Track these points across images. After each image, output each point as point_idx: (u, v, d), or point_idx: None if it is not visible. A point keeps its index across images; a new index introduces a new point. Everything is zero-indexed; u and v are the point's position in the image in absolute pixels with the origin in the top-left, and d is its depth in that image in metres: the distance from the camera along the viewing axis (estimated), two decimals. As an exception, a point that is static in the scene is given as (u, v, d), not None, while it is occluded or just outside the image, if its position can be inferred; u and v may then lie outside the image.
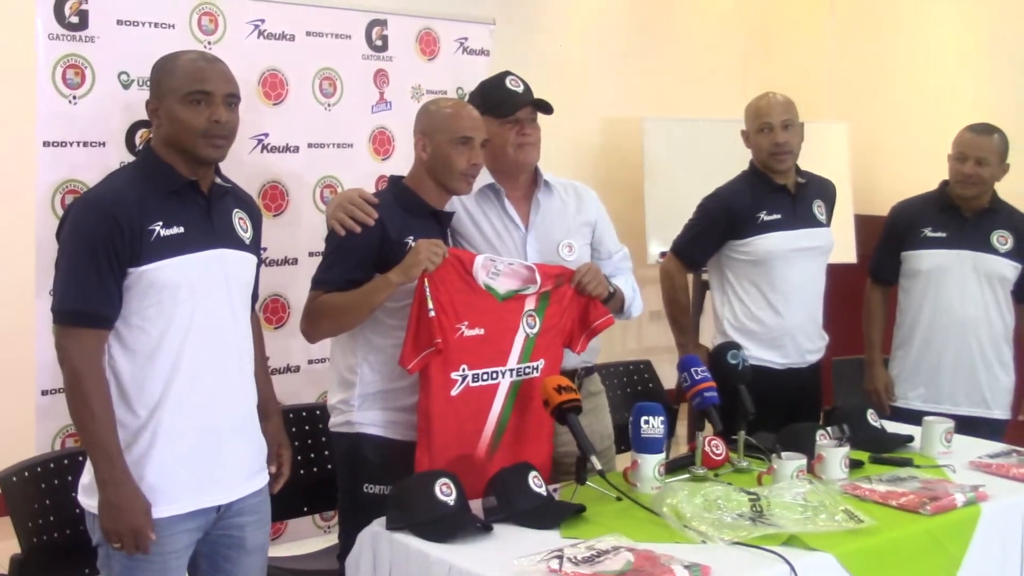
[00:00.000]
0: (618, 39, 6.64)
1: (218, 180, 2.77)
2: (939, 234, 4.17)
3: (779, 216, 4.00)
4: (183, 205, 2.65)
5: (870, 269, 4.41)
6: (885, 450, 3.45)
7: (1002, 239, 4.15)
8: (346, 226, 3.04)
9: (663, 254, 6.00)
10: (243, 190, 2.93)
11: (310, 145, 4.35)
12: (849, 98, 7.25)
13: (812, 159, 6.71)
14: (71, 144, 3.75)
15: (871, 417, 3.60)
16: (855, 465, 3.25)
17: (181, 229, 2.62)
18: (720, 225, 4.04)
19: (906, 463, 3.33)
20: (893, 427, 3.67)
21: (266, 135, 4.22)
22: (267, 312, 4.25)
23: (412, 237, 3.06)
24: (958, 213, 4.18)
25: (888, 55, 7.09)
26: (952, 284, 4.14)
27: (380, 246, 3.05)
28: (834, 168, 6.82)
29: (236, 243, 2.75)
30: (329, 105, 4.39)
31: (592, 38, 6.52)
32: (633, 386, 4.48)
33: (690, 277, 4.36)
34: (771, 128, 3.97)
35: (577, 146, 6.39)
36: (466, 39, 4.78)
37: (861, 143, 6.75)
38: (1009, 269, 4.16)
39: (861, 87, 7.19)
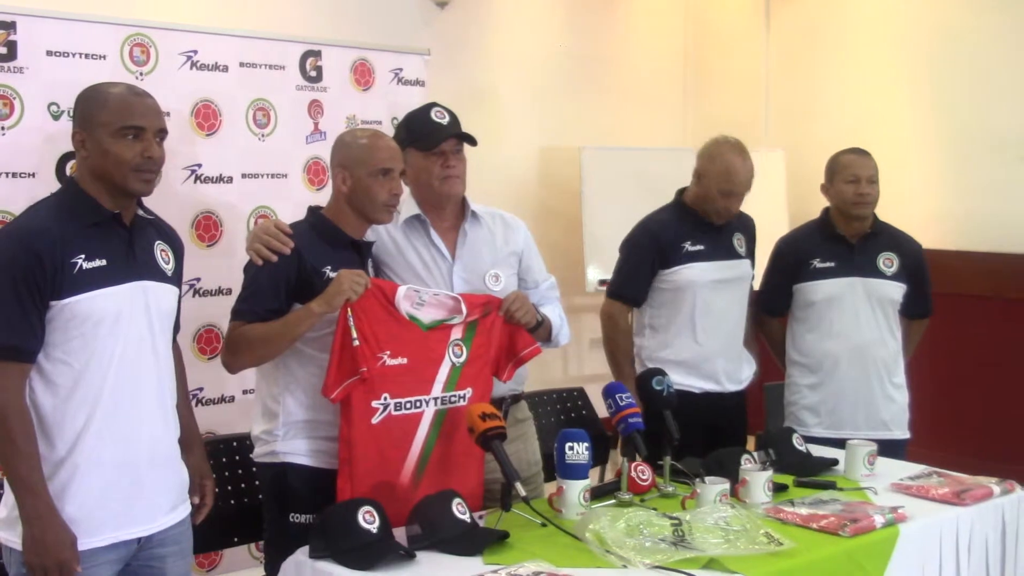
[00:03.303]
0: (555, 69, 6.70)
1: (140, 212, 2.78)
2: (828, 264, 4.23)
3: (702, 247, 4.08)
4: (105, 237, 2.65)
5: (760, 303, 4.44)
6: (810, 474, 3.51)
7: (888, 261, 4.23)
8: (262, 256, 3.06)
9: (602, 282, 6.09)
10: (165, 222, 2.94)
11: (244, 175, 4.37)
12: (785, 126, 7.37)
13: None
14: (1, 175, 3.74)
15: (796, 441, 3.66)
16: (780, 489, 3.31)
17: (103, 262, 2.62)
18: (651, 255, 4.09)
19: (829, 486, 3.39)
20: (819, 451, 3.73)
21: (199, 166, 4.24)
22: (201, 342, 4.26)
23: (330, 267, 3.08)
24: (843, 241, 4.25)
25: (823, 83, 7.21)
26: (846, 311, 4.21)
27: (297, 275, 3.06)
28: (771, 195, 6.97)
29: (158, 275, 2.76)
30: (263, 136, 4.42)
31: (529, 68, 6.58)
32: (567, 413, 4.52)
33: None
34: (735, 195, 4.06)
35: (515, 175, 6.45)
36: (401, 70, 4.83)
37: (797, 170, 6.84)
38: (896, 291, 4.24)
39: (796, 115, 7.31)
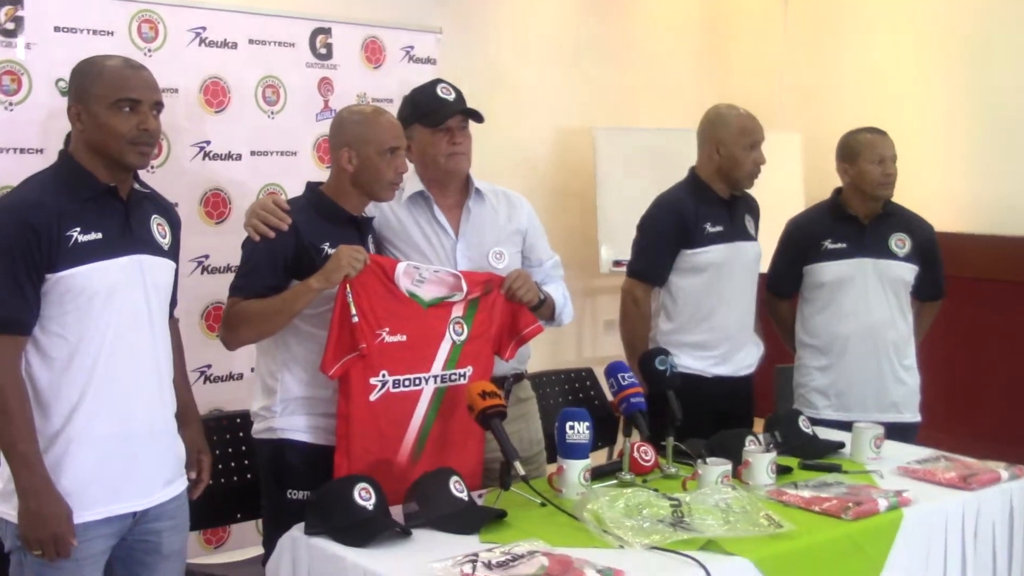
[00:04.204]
0: (570, 48, 6.64)
1: (136, 186, 2.76)
2: (839, 245, 4.18)
3: (721, 228, 4.03)
4: (101, 211, 2.64)
5: (770, 285, 4.40)
6: (816, 456, 3.47)
7: (900, 242, 4.18)
8: (259, 232, 3.05)
9: (616, 263, 6.04)
10: (162, 196, 2.91)
11: (253, 153, 4.36)
12: (801, 109, 7.30)
13: (765, 170, 6.78)
14: (7, 150, 3.75)
15: (803, 424, 3.61)
16: (784, 471, 3.28)
17: (99, 235, 2.61)
18: (673, 233, 4.02)
19: (835, 469, 3.35)
20: (826, 434, 3.68)
21: (208, 143, 4.24)
22: (209, 319, 4.26)
23: (329, 244, 3.06)
24: (855, 221, 4.21)
25: (840, 66, 7.14)
26: (856, 293, 4.16)
27: (294, 252, 3.04)
28: (787, 178, 6.90)
29: (154, 249, 2.74)
30: (272, 113, 4.40)
31: (543, 47, 6.52)
32: (575, 393, 4.50)
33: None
34: (757, 145, 4.02)
35: (529, 156, 6.40)
36: (412, 48, 4.81)
37: (814, 153, 6.77)
38: (908, 272, 4.19)
39: (814, 98, 7.24)
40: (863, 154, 4.15)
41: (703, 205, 4.04)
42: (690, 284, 4.04)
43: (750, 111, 4.09)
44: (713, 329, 4.03)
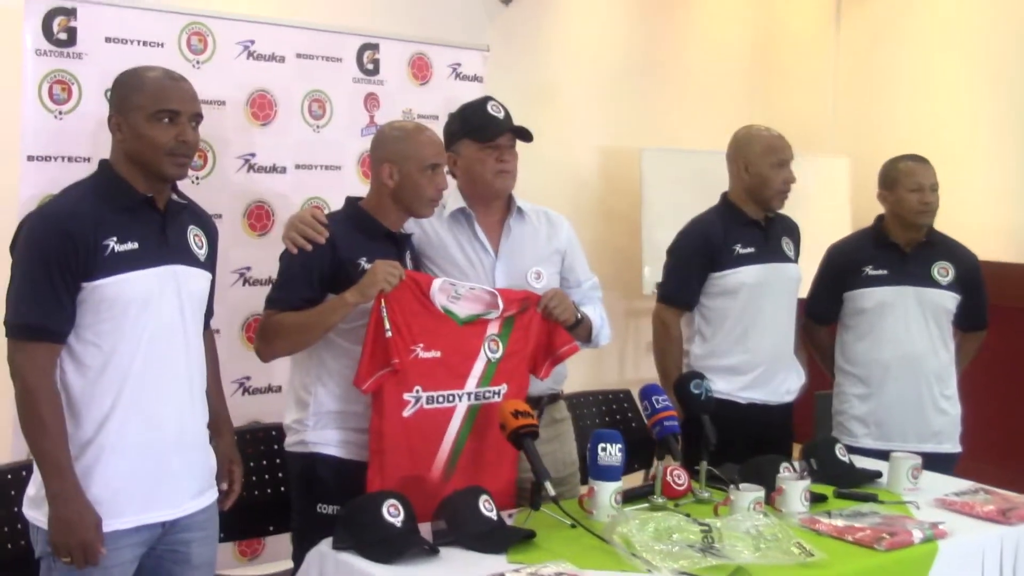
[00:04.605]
0: (616, 67, 6.61)
1: (174, 196, 2.78)
2: (880, 271, 4.13)
3: (753, 249, 3.99)
4: (138, 221, 2.66)
5: (809, 311, 4.36)
6: (852, 485, 3.42)
7: (943, 271, 4.12)
8: (297, 244, 3.06)
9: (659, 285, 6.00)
10: (200, 207, 2.93)
11: (298, 166, 4.36)
12: (851, 132, 7.22)
13: (812, 193, 6.72)
14: (56, 159, 3.77)
15: (839, 452, 3.57)
16: (819, 499, 3.23)
17: (135, 245, 2.63)
18: (700, 257, 4.01)
19: (870, 498, 3.30)
20: (864, 463, 3.63)
21: (253, 155, 4.24)
22: (250, 331, 4.25)
23: (365, 258, 3.06)
24: (897, 249, 4.16)
25: (891, 90, 7.07)
26: (897, 320, 4.10)
27: (331, 265, 3.05)
28: (834, 203, 6.84)
29: (190, 260, 2.76)
30: (318, 127, 4.40)
31: (591, 66, 6.50)
32: (612, 415, 4.47)
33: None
34: (785, 164, 4.01)
35: (574, 175, 6.38)
36: (459, 65, 4.80)
37: (862, 178, 6.70)
38: (951, 301, 4.14)
39: (864, 121, 7.16)
40: (901, 182, 4.11)
41: (734, 227, 4.02)
42: (722, 307, 4.00)
43: (781, 132, 4.07)
44: (747, 352, 3.98)
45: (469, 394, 3.14)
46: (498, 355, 3.18)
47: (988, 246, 4.81)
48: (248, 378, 4.25)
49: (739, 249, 3.98)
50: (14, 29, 3.73)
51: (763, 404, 4.00)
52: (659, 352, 4.12)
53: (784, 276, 4.07)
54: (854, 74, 7.31)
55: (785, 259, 4.08)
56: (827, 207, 6.78)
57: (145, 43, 3.94)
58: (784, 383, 4.07)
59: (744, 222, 4.03)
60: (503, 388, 3.19)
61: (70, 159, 3.78)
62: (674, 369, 4.02)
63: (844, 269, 4.21)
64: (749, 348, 3.98)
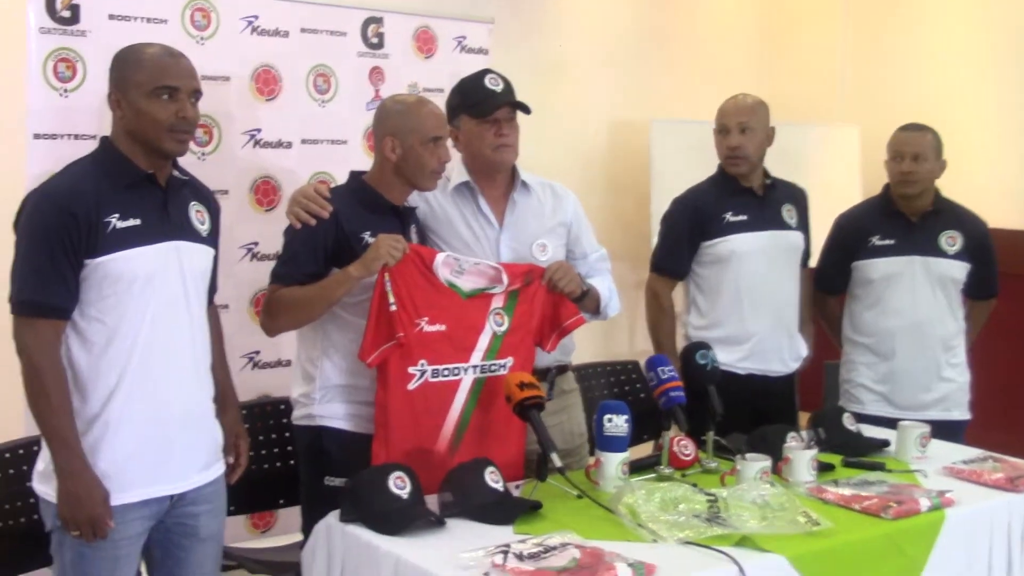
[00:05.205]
0: (624, 39, 6.57)
1: (175, 172, 2.78)
2: (887, 241, 4.11)
3: (745, 217, 3.97)
4: (140, 197, 2.66)
5: (818, 282, 4.33)
6: (860, 454, 3.41)
7: (950, 240, 4.09)
8: (300, 219, 3.06)
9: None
10: (201, 183, 2.93)
11: (303, 141, 4.36)
12: (861, 101, 7.16)
13: (821, 162, 6.69)
14: (62, 137, 3.77)
15: (847, 421, 3.56)
16: (826, 468, 3.23)
17: (138, 221, 2.63)
18: (689, 226, 4.01)
19: (878, 467, 3.29)
20: (871, 431, 3.62)
21: (259, 130, 4.24)
22: (258, 306, 4.24)
23: (369, 232, 3.06)
24: (904, 218, 4.13)
25: (902, 57, 7.00)
26: (904, 290, 4.08)
27: (335, 239, 3.05)
28: (844, 172, 6.80)
29: (192, 235, 2.76)
30: (323, 101, 4.40)
31: (597, 38, 6.45)
32: (620, 386, 4.46)
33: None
34: (727, 131, 3.95)
35: (583, 148, 6.36)
36: (464, 38, 4.79)
37: (873, 147, 6.67)
38: (959, 270, 4.11)
39: (873, 90, 7.10)
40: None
41: (726, 196, 4.00)
42: (715, 276, 4.00)
43: (757, 98, 4.05)
44: (742, 321, 3.96)
45: (475, 367, 3.13)
46: (504, 328, 3.17)
47: (998, 213, 4.76)
48: (257, 352, 4.26)
49: (729, 217, 3.96)
50: (18, 7, 3.73)
51: (762, 375, 3.98)
52: (650, 322, 4.14)
53: (782, 244, 4.03)
54: (864, 42, 7.24)
55: (783, 227, 4.04)
56: (837, 176, 6.74)
57: (149, 20, 3.94)
58: (784, 354, 4.05)
59: (737, 190, 4.01)
60: (509, 361, 3.18)
61: (76, 137, 3.78)
62: (666, 339, 4.04)
63: (851, 239, 4.19)
64: (745, 318, 3.96)
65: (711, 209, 3.98)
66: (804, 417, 4.08)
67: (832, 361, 4.49)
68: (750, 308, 3.96)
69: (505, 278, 3.17)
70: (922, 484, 3.15)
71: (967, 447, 3.62)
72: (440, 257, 3.09)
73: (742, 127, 3.94)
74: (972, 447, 3.61)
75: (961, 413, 4.15)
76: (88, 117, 3.78)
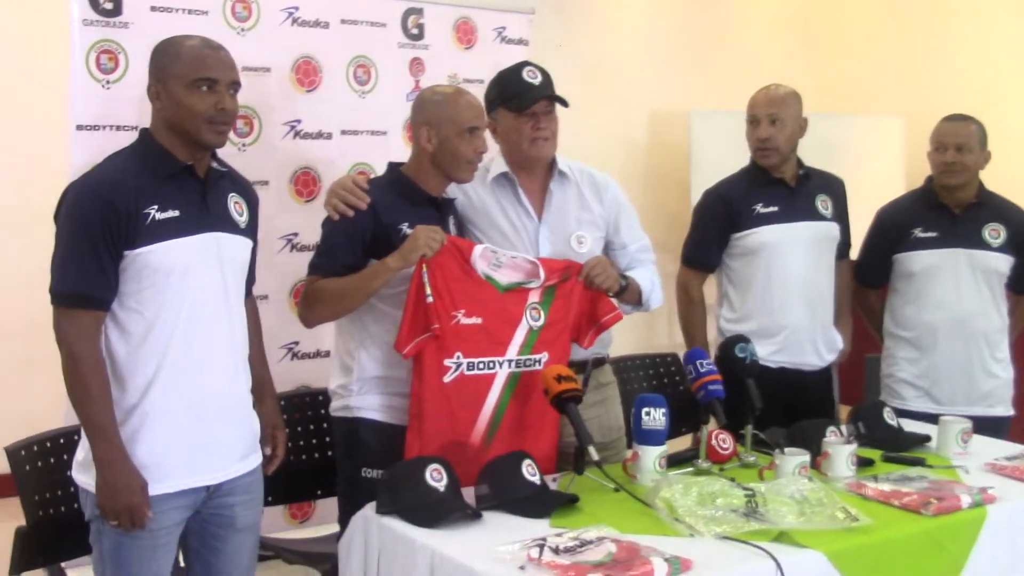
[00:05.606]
0: (664, 28, 6.54)
1: (214, 164, 2.79)
2: (930, 234, 4.06)
3: (776, 208, 3.93)
4: (179, 189, 2.67)
5: (858, 274, 4.28)
6: (900, 449, 3.37)
7: (994, 232, 4.03)
8: (338, 210, 3.06)
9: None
10: (239, 174, 2.94)
11: (343, 132, 4.37)
12: (906, 92, 7.09)
13: (865, 154, 6.62)
14: (104, 128, 3.80)
15: (887, 415, 3.51)
16: (866, 463, 3.19)
17: (177, 212, 2.64)
18: (719, 217, 3.99)
19: (918, 462, 3.25)
20: (912, 426, 3.58)
21: (299, 121, 4.26)
22: (297, 297, 4.23)
23: (407, 224, 3.05)
24: (947, 210, 4.08)
25: (947, 48, 6.93)
26: (947, 283, 4.03)
27: (372, 231, 3.05)
28: (888, 164, 6.74)
29: (231, 227, 2.77)
30: (363, 92, 4.41)
31: (637, 28, 6.42)
32: (659, 379, 4.44)
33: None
34: (757, 122, 3.91)
35: (623, 138, 6.35)
36: (504, 28, 4.78)
37: (918, 140, 6.60)
38: (1003, 263, 4.05)
39: (919, 81, 7.02)
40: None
41: (757, 187, 3.97)
42: (746, 268, 3.97)
43: (789, 87, 4.00)
44: (774, 314, 3.92)
45: (510, 361, 3.12)
46: (540, 323, 3.16)
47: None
48: (297, 343, 4.28)
49: (760, 208, 3.93)
50: (62, 0, 3.75)
51: (796, 369, 3.94)
52: (681, 315, 4.12)
53: (816, 235, 3.99)
54: (909, 32, 7.16)
55: (817, 217, 3.99)
56: (881, 168, 6.68)
57: (190, 11, 3.97)
58: (819, 347, 4.00)
59: (769, 180, 3.97)
60: (544, 356, 3.17)
61: (119, 128, 3.81)
62: (697, 331, 4.03)
63: (892, 232, 4.14)
64: (776, 310, 3.92)
65: (741, 200, 3.95)
66: (844, 411, 4.05)
67: (873, 355, 4.45)
68: (781, 300, 3.92)
69: (542, 273, 3.16)
70: (963, 480, 3.11)
71: (1010, 443, 3.56)
72: (478, 250, 3.08)
73: (772, 118, 3.90)
74: (1015, 443, 3.55)
75: (1005, 409, 4.10)
76: (130, 108, 3.81)
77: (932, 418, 3.62)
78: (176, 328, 2.64)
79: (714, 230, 4.00)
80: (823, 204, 4.02)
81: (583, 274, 3.20)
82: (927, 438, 3.46)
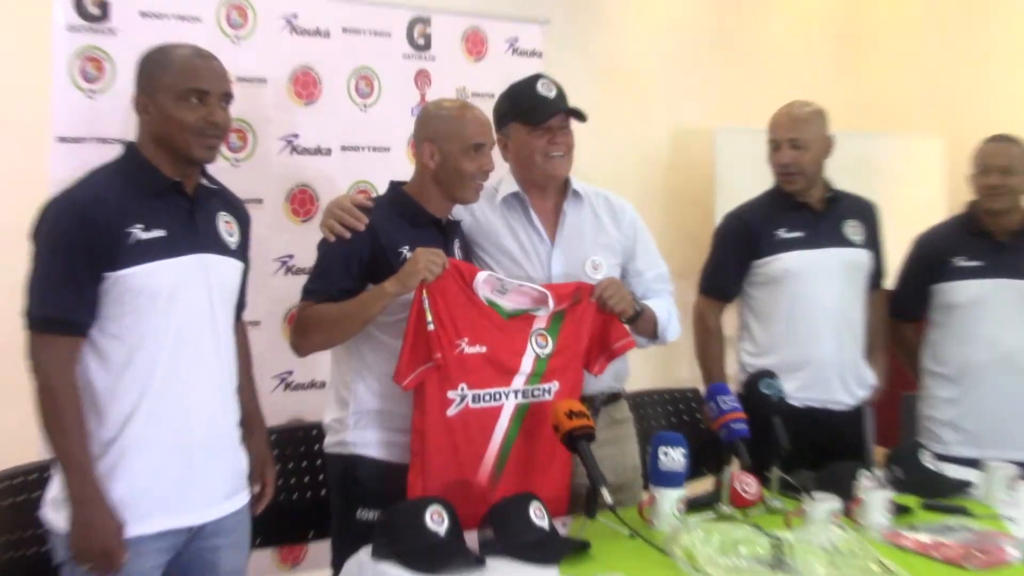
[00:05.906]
0: (688, 41, 6.52)
1: (204, 181, 2.78)
2: (973, 263, 4.01)
3: (801, 234, 3.91)
4: (165, 207, 2.66)
5: (893, 306, 4.24)
6: (940, 496, 3.33)
7: None
8: (335, 232, 3.04)
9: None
10: (231, 192, 2.93)
11: (344, 147, 4.35)
12: (947, 112, 7.05)
13: (902, 175, 6.58)
14: (87, 140, 3.79)
15: (926, 458, 3.47)
16: (903, 511, 3.15)
17: (162, 232, 2.63)
18: (739, 244, 3.97)
19: (961, 511, 3.21)
20: (955, 472, 3.53)
21: (296, 136, 4.24)
22: (291, 323, 4.24)
23: (408, 246, 3.03)
24: (991, 238, 4.03)
25: (989, 65, 6.89)
26: (992, 316, 3.98)
27: (370, 253, 3.04)
28: (927, 187, 6.71)
29: (220, 248, 2.76)
30: (365, 106, 4.39)
31: (659, 40, 6.41)
32: (678, 415, 4.41)
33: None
34: (778, 146, 3.91)
35: (644, 157, 6.33)
36: (517, 39, 4.76)
37: (958, 160, 6.58)
38: None
39: (959, 99, 6.99)
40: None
41: (780, 211, 3.96)
42: (769, 297, 3.95)
43: (814, 105, 3.99)
44: (799, 347, 3.89)
45: (516, 392, 3.10)
46: (547, 351, 3.13)
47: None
48: (290, 373, 4.25)
49: (782, 234, 3.91)
50: (44, 3, 3.75)
51: (823, 408, 3.91)
52: (697, 347, 4.10)
53: (844, 262, 3.96)
54: (949, 47, 7.14)
55: (845, 243, 3.97)
56: (919, 191, 6.65)
57: (182, 17, 3.96)
58: (849, 383, 3.97)
59: (792, 205, 3.95)
60: (554, 386, 3.15)
61: (103, 141, 3.79)
62: (714, 364, 4.00)
63: (931, 260, 4.10)
64: (801, 343, 3.90)
65: (762, 225, 3.93)
66: (879, 453, 4.00)
67: (910, 393, 4.40)
68: (807, 332, 3.89)
69: (551, 301, 3.13)
70: (1010, 531, 3.07)
71: (1060, 490, 3.52)
72: (482, 275, 3.06)
73: (794, 143, 3.90)
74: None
75: None
76: (116, 120, 3.79)
77: (976, 464, 3.57)
78: (160, 356, 2.62)
79: (733, 256, 3.98)
80: (853, 229, 3.99)
81: (596, 294, 3.18)
82: (970, 484, 3.41)
